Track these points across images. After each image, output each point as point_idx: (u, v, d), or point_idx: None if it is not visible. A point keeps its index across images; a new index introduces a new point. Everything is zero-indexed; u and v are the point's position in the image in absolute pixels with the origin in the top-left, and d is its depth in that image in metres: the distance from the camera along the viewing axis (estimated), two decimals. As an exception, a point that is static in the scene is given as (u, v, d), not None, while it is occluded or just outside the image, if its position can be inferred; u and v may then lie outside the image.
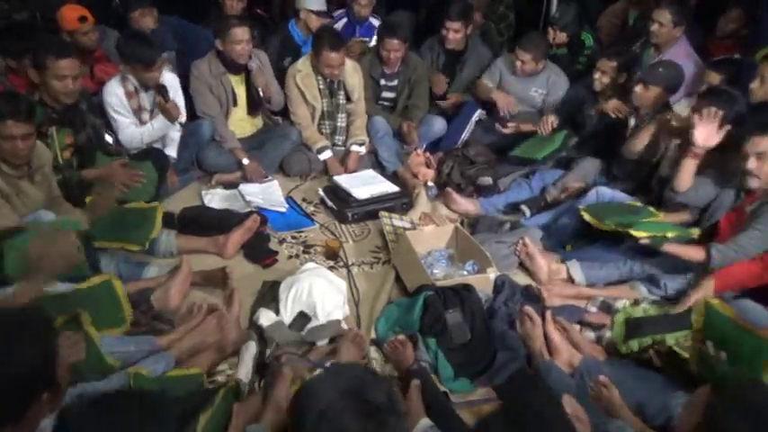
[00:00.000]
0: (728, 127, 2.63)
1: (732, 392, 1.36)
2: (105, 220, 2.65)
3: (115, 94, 3.18)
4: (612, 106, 3.34)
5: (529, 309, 2.34)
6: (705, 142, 2.63)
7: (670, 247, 2.49)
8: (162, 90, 3.21)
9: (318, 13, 4.00)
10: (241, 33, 3.37)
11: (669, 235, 2.50)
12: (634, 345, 2.21)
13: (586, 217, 2.72)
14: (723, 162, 2.66)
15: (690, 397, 1.45)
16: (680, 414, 1.53)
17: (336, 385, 1.20)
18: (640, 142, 3.05)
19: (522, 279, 2.76)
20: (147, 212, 2.72)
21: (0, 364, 1.14)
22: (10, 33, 3.16)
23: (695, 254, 2.47)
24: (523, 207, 3.24)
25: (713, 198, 2.67)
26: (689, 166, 2.68)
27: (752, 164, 2.39)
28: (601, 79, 3.45)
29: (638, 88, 3.11)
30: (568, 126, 3.63)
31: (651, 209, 2.75)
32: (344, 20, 4.26)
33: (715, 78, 3.15)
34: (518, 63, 3.77)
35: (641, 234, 2.50)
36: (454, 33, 3.89)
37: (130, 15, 3.72)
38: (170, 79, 3.34)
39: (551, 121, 3.59)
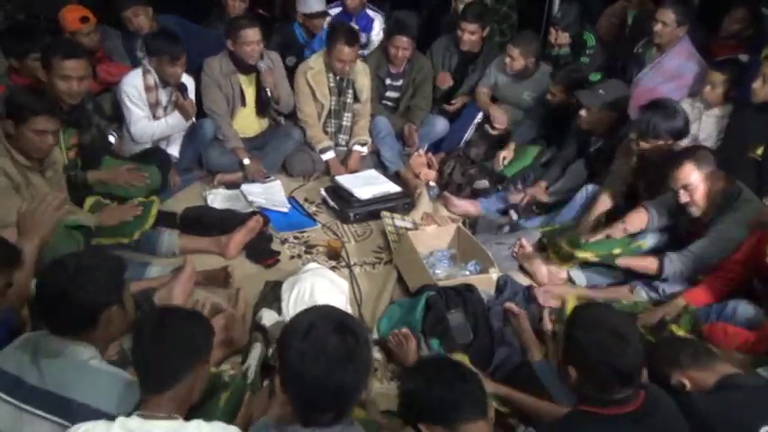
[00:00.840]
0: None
1: (581, 314, 1.59)
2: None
3: (134, 85, 3.22)
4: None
5: (510, 304, 2.36)
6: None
7: (622, 261, 2.57)
8: (181, 88, 3.27)
9: (316, 15, 3.99)
10: (252, 34, 3.38)
11: (616, 252, 2.57)
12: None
13: (565, 244, 2.70)
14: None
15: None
16: None
17: (316, 312, 1.38)
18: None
19: (523, 280, 2.76)
20: (144, 206, 2.73)
21: (81, 285, 1.53)
22: (13, 33, 3.16)
23: (648, 264, 2.55)
24: (512, 212, 3.25)
25: (668, 218, 2.68)
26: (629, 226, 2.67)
27: (684, 197, 2.46)
28: (552, 100, 3.47)
29: (583, 112, 3.12)
30: (551, 130, 3.60)
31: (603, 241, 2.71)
32: (339, 9, 4.24)
33: (718, 78, 3.14)
34: (507, 59, 3.74)
35: (587, 255, 2.58)
36: (470, 35, 3.88)
37: (124, 15, 3.70)
38: (188, 80, 3.38)
39: (502, 156, 3.58)
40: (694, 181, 2.43)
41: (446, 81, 4.00)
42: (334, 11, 4.23)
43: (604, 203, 2.91)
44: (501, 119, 3.79)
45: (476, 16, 3.87)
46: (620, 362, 1.44)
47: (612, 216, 2.83)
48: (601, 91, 3.10)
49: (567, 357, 1.56)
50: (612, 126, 3.11)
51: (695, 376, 1.71)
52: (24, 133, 2.34)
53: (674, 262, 2.48)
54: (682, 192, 2.45)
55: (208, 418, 1.65)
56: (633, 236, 2.66)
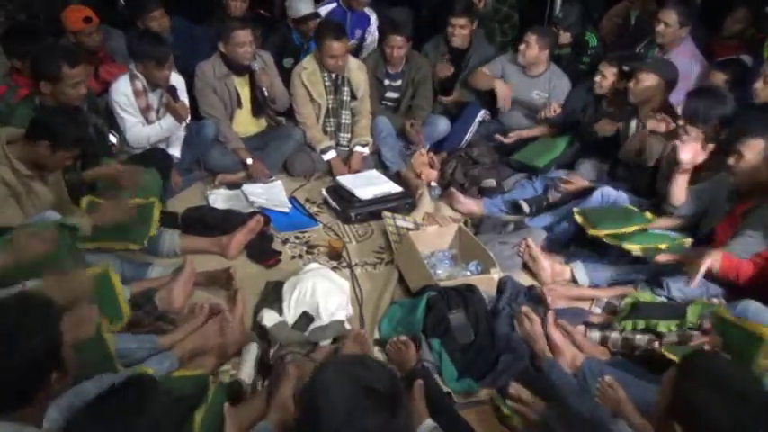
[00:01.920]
0: (711, 146, 2.63)
1: (695, 366, 1.36)
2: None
3: (123, 92, 3.19)
4: (601, 127, 3.31)
5: (526, 308, 2.34)
6: (692, 161, 2.62)
7: (663, 258, 2.50)
8: (172, 90, 3.23)
9: (305, 18, 3.97)
10: (243, 36, 3.38)
11: (662, 246, 2.51)
12: (629, 324, 2.26)
13: (578, 220, 2.72)
14: (717, 163, 2.65)
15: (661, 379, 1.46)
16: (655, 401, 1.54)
17: (347, 380, 1.20)
18: (632, 146, 3.03)
19: (525, 280, 2.75)
20: (145, 209, 2.71)
21: (6, 354, 1.21)
22: (15, 34, 3.17)
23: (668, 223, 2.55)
24: (522, 203, 3.22)
25: (707, 206, 2.66)
26: (680, 182, 2.66)
27: (731, 161, 2.41)
28: (601, 83, 3.42)
29: (631, 84, 3.09)
30: (570, 129, 3.61)
31: (647, 214, 2.73)
32: (333, 5, 4.23)
33: (720, 79, 3.14)
34: (522, 47, 3.70)
35: (633, 247, 2.53)
36: (460, 29, 3.88)
37: (150, 15, 3.67)
38: (177, 80, 3.36)
39: (554, 108, 3.57)
40: (752, 155, 2.35)
41: (445, 71, 3.97)
42: (328, 7, 4.21)
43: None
44: (505, 91, 3.75)
45: (464, 10, 3.86)
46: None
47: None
48: (649, 59, 3.09)
49: (673, 410, 1.34)
50: (661, 106, 3.06)
51: None
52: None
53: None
54: (732, 157, 2.39)
55: None
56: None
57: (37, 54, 2.76)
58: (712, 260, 2.27)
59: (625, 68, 3.24)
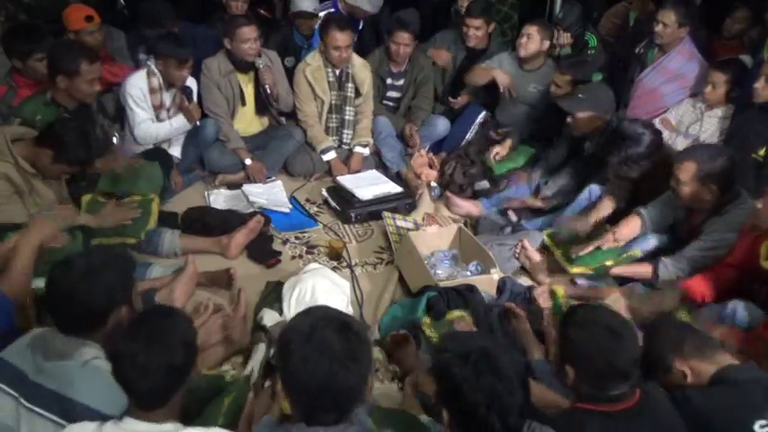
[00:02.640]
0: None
1: (573, 315, 1.63)
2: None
3: (139, 87, 3.22)
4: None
5: (511, 304, 2.36)
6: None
7: (616, 271, 2.58)
8: (186, 91, 3.28)
9: (302, 15, 3.97)
10: (248, 32, 3.39)
11: (609, 263, 2.59)
12: None
13: (547, 241, 2.81)
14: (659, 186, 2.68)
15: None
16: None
17: (316, 314, 1.38)
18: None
19: (525, 281, 2.77)
20: (144, 205, 2.73)
21: (90, 285, 1.56)
22: (16, 34, 3.17)
23: (643, 270, 2.56)
24: (510, 213, 3.24)
25: (670, 219, 2.69)
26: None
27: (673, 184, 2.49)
28: (556, 92, 3.38)
29: (569, 120, 3.10)
30: (548, 131, 3.58)
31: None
32: (331, 9, 4.21)
33: (720, 78, 3.14)
34: (523, 41, 3.68)
35: (580, 270, 2.61)
36: (475, 31, 3.87)
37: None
38: (192, 82, 3.39)
39: (495, 151, 3.57)
40: (687, 179, 2.43)
41: (442, 56, 3.97)
42: (326, 11, 4.20)
43: (606, 208, 2.90)
44: (505, 78, 3.74)
45: (480, 11, 3.86)
46: (615, 358, 1.48)
47: (614, 219, 2.82)
48: (580, 95, 3.09)
49: (563, 356, 1.59)
50: (603, 130, 3.06)
51: (697, 367, 1.70)
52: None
53: (669, 267, 2.49)
54: (673, 182, 2.48)
55: (211, 420, 1.67)
56: (628, 243, 2.67)
57: (55, 49, 2.81)
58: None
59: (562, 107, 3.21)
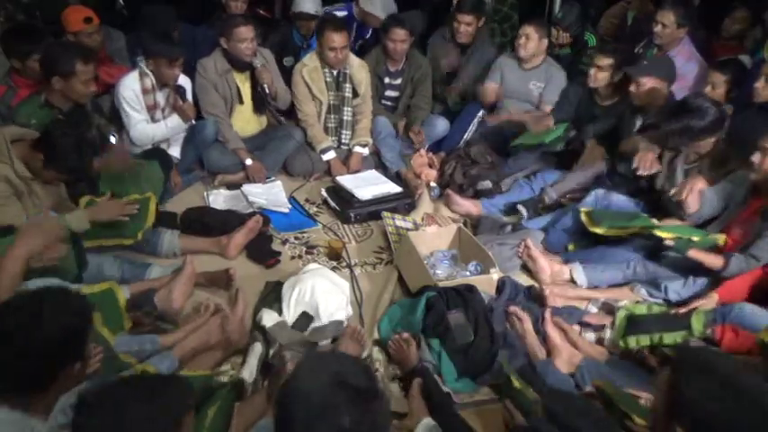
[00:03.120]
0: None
1: (687, 360, 1.33)
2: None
3: (131, 88, 3.21)
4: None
5: (514, 308, 2.36)
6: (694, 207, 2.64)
7: (694, 253, 2.47)
8: (180, 90, 3.27)
9: (302, 16, 4.00)
10: (245, 32, 3.39)
11: (695, 239, 2.48)
12: (632, 341, 2.22)
13: (584, 219, 2.75)
14: (725, 166, 2.65)
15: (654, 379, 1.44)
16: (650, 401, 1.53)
17: (321, 378, 1.18)
18: (631, 145, 3.04)
19: (524, 280, 2.76)
20: (141, 204, 2.71)
21: (25, 339, 1.26)
22: (15, 34, 3.17)
23: (715, 261, 2.45)
24: (520, 207, 3.22)
25: (721, 209, 2.66)
26: (692, 200, 2.66)
27: (756, 158, 2.41)
28: (596, 75, 3.38)
29: (632, 87, 3.11)
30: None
31: (653, 220, 2.71)
32: (344, 12, 4.23)
33: (719, 79, 3.14)
34: (522, 41, 3.70)
35: (667, 235, 2.49)
36: (466, 26, 3.88)
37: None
38: (185, 81, 3.38)
39: (546, 122, 3.56)
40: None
41: (453, 59, 3.99)
42: (340, 13, 4.21)
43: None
44: (523, 117, 3.74)
45: (471, 8, 3.88)
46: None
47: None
48: (645, 62, 3.11)
49: (671, 414, 1.30)
50: (667, 100, 3.06)
51: None
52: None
53: (740, 262, 2.41)
54: (758, 153, 2.40)
55: None
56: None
57: (49, 50, 2.80)
58: (707, 302, 2.31)
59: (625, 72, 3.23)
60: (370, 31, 4.30)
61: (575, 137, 3.53)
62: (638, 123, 3.20)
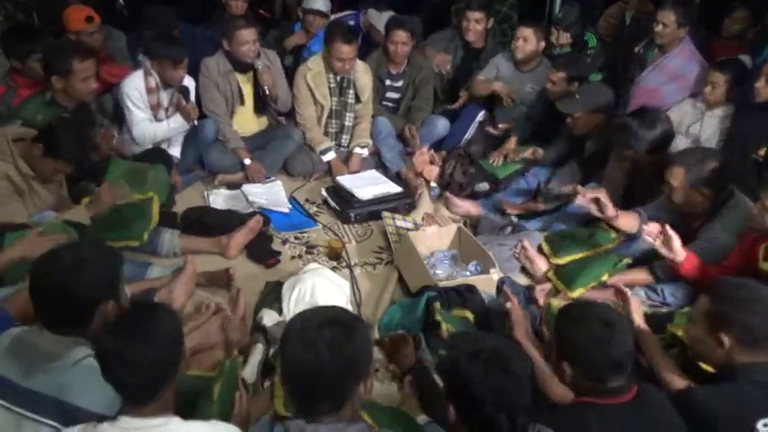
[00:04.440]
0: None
1: (568, 311, 1.67)
2: (103, 218, 2.64)
3: (136, 87, 3.22)
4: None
5: (506, 287, 2.36)
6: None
7: (614, 281, 2.56)
8: (184, 91, 3.27)
9: (314, 12, 4.03)
10: (247, 35, 3.38)
11: (604, 278, 2.59)
12: None
13: (545, 248, 2.78)
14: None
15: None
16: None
17: (314, 310, 1.44)
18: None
19: (524, 281, 2.76)
20: (143, 205, 2.72)
21: (75, 280, 1.53)
22: (15, 34, 3.17)
23: (641, 276, 2.58)
24: (510, 212, 3.23)
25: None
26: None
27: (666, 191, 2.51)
28: (552, 89, 3.41)
29: (568, 120, 3.12)
30: (547, 130, 3.57)
31: (611, 234, 2.74)
32: (352, 22, 4.24)
33: (720, 78, 3.14)
34: (519, 43, 3.70)
35: (579, 292, 2.58)
36: (475, 24, 3.87)
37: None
38: (189, 82, 3.38)
39: (504, 154, 3.59)
40: (678, 184, 2.44)
41: (437, 59, 3.98)
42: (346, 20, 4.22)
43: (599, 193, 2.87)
44: (504, 88, 3.76)
45: (480, 4, 3.86)
46: (611, 349, 1.51)
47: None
48: (577, 96, 3.12)
49: (560, 353, 1.61)
50: (603, 129, 3.08)
51: None
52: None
53: (666, 270, 2.50)
54: (666, 188, 2.49)
55: (206, 408, 1.66)
56: (617, 248, 2.70)
57: (47, 50, 2.80)
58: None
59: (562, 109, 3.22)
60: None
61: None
62: (588, 146, 3.22)
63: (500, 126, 3.80)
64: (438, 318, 2.20)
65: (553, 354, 1.70)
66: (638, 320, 2.06)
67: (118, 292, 1.63)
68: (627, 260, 2.65)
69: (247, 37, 3.39)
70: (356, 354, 1.34)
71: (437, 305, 2.27)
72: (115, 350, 1.34)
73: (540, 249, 2.80)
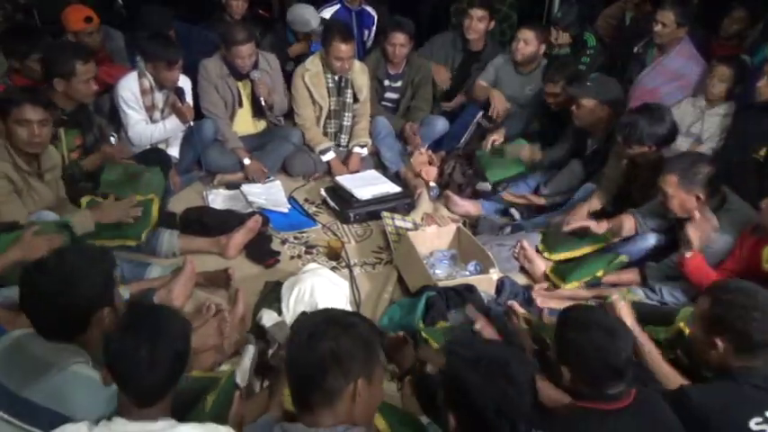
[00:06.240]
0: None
1: (568, 317, 1.64)
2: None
3: (130, 88, 3.21)
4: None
5: (513, 303, 2.35)
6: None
7: (607, 279, 2.61)
8: (179, 92, 3.26)
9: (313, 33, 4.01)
10: (245, 50, 3.38)
11: (599, 274, 2.62)
12: None
13: (540, 246, 2.82)
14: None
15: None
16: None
17: (322, 313, 1.45)
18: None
19: (524, 281, 2.77)
20: (143, 205, 2.71)
21: (70, 288, 1.49)
22: (14, 35, 3.17)
23: (632, 277, 2.61)
24: (513, 210, 3.24)
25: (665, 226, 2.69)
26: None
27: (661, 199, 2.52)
28: (555, 101, 3.37)
29: (573, 107, 3.09)
30: (549, 131, 3.55)
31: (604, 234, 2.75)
32: (337, 6, 4.21)
33: (726, 72, 3.14)
34: (520, 44, 3.70)
35: (574, 285, 2.62)
36: (477, 22, 3.86)
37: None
38: (184, 82, 3.37)
39: (492, 139, 3.58)
40: (672, 191, 2.43)
41: (444, 78, 3.99)
42: (333, 8, 4.20)
43: (592, 205, 2.92)
44: (501, 103, 3.76)
45: (483, 2, 3.85)
46: (611, 357, 1.50)
47: (601, 218, 2.82)
48: (588, 83, 3.08)
49: (559, 357, 1.61)
50: (608, 126, 3.07)
51: None
52: (11, 127, 2.33)
53: (656, 271, 2.52)
54: (660, 195, 2.49)
55: (195, 421, 1.63)
56: (615, 246, 2.71)
57: (48, 52, 2.79)
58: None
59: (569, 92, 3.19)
60: (375, 22, 4.28)
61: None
62: (590, 144, 3.20)
63: (497, 108, 3.77)
64: (425, 335, 2.20)
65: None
66: (630, 322, 2.01)
67: (112, 296, 1.60)
68: (622, 258, 2.66)
69: (244, 53, 3.38)
70: (352, 360, 1.31)
71: (421, 324, 2.27)
72: (131, 350, 1.31)
73: (538, 249, 2.81)
